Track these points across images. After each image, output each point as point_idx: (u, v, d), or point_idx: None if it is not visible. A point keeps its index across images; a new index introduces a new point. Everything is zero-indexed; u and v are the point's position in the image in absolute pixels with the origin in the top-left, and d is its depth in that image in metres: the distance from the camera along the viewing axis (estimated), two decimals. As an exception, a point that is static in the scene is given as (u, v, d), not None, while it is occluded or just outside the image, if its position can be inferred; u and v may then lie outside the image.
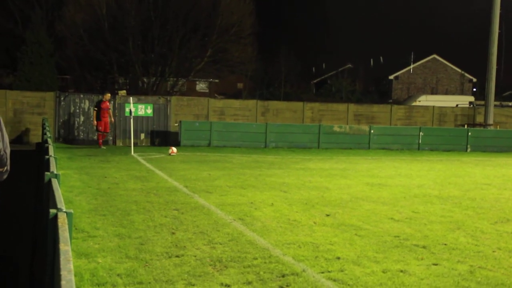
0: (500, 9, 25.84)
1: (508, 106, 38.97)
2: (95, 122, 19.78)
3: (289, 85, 51.86)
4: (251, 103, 26.23)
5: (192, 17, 29.87)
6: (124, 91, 27.13)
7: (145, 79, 30.97)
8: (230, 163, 15.89)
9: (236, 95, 43.44)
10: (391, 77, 53.76)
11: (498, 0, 25.09)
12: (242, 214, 8.26)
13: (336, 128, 23.32)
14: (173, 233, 6.93)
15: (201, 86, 46.69)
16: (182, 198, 9.58)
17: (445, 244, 6.81)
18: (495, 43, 25.94)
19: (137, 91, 28.95)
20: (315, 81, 61.13)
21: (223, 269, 5.53)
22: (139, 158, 16.29)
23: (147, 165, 14.66)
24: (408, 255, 6.29)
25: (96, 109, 19.81)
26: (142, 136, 22.65)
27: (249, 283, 5.15)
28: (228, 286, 5.06)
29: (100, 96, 20.95)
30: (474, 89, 54.27)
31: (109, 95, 20.48)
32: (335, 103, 31.87)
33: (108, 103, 20.00)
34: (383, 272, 5.60)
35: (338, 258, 6.06)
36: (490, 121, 27.21)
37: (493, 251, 6.53)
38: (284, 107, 26.47)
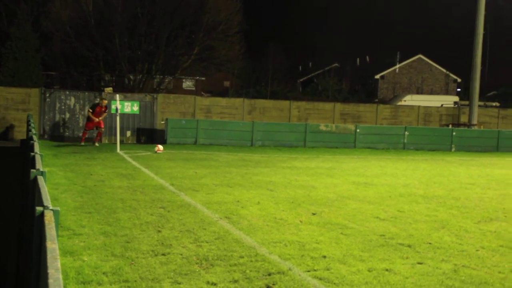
0: (485, 11, 26.05)
1: (492, 106, 39.32)
2: (93, 119, 19.54)
3: (276, 83, 51.92)
4: (238, 101, 26.23)
5: (179, 14, 29.78)
6: (111, 88, 26.98)
7: (131, 76, 30.83)
8: (217, 161, 15.88)
9: (223, 93, 43.41)
10: (377, 76, 54.02)
11: (482, 1, 25.27)
12: (229, 213, 8.27)
13: (322, 127, 23.38)
14: (159, 231, 6.92)
15: (187, 84, 46.57)
16: (168, 196, 9.56)
17: (430, 243, 6.87)
18: (479, 44, 26.15)
19: (123, 89, 28.80)
20: (302, 79, 61.27)
21: (209, 267, 5.54)
22: (125, 156, 16.22)
23: (133, 162, 14.61)
24: (393, 254, 6.33)
25: (91, 110, 19.69)
26: (128, 133, 22.58)
27: (235, 281, 5.16)
28: (214, 284, 5.06)
29: (98, 100, 21.00)
30: (459, 89, 54.69)
31: (106, 101, 20.07)
32: (321, 102, 31.97)
33: (103, 108, 19.80)
34: (369, 271, 5.64)
35: (324, 256, 6.09)
36: (474, 121, 27.45)
37: (477, 250, 6.60)
38: (271, 105, 26.51)
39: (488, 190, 11.83)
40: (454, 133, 24.20)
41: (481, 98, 32.99)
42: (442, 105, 36.08)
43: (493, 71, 58.89)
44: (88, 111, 19.99)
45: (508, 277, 5.56)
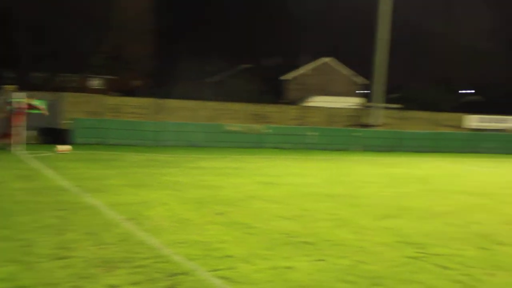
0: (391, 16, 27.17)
1: (393, 108, 41.08)
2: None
3: (187, 83, 51.62)
4: (148, 101, 25.91)
5: (87, 11, 29.00)
6: (14, 86, 25.85)
7: (36, 74, 29.67)
8: (124, 161, 15.62)
9: (133, 93, 42.64)
10: (286, 77, 55.01)
11: (385, 6, 26.33)
12: (134, 214, 8.18)
13: (231, 127, 23.56)
14: (61, 234, 6.74)
15: (96, 82, 45.38)
16: (71, 197, 9.31)
17: (331, 241, 7.11)
18: (381, 48, 27.24)
19: (28, 87, 27.66)
20: (213, 80, 61.27)
21: (112, 270, 5.46)
22: (27, 156, 15.61)
23: (36, 163, 14.09)
24: (296, 252, 6.51)
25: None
26: (31, 133, 21.70)
27: (138, 283, 5.12)
28: (116, 287, 5.00)
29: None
30: (364, 91, 56.72)
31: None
32: (231, 102, 32.18)
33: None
34: (272, 269, 5.77)
35: (229, 256, 6.17)
36: (377, 121, 28.61)
37: (374, 246, 6.91)
38: (181, 105, 26.38)
39: (387, 188, 12.38)
40: (358, 134, 25.10)
41: (384, 99, 34.40)
42: (347, 106, 37.32)
43: (396, 73, 61.55)
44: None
45: (401, 271, 5.87)
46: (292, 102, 45.32)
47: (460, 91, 69.61)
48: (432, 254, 6.62)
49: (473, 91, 70.15)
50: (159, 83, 48.79)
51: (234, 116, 27.24)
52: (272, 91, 54.85)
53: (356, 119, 30.78)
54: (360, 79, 55.59)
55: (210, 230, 7.38)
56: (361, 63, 48.85)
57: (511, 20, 63.21)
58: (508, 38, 63.45)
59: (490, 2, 60.17)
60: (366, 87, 56.01)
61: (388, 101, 50.17)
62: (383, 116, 30.33)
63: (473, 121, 35.34)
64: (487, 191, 12.40)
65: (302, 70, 55.31)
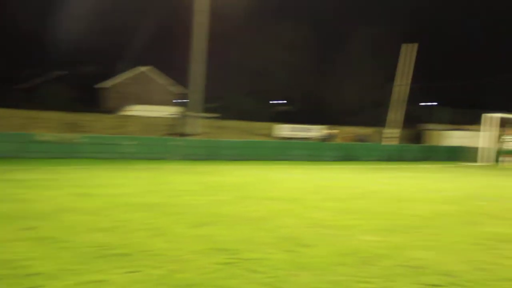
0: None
1: (210, 117, 42.07)
2: None
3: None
4: None
5: None
6: None
7: None
8: None
9: None
10: (104, 86, 53.68)
11: (201, 17, 26.91)
12: None
13: (42, 137, 22.36)
14: None
15: None
16: None
17: (146, 251, 7.11)
18: (197, 58, 27.80)
19: None
20: (23, 86, 57.57)
21: None
22: None
23: None
24: (110, 264, 6.40)
25: None
26: None
27: None
28: None
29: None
30: (183, 100, 57.36)
31: None
32: (45, 110, 30.55)
33: None
34: (83, 284, 5.61)
35: (36, 274, 5.87)
36: (195, 131, 29.11)
37: (188, 254, 7.05)
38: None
39: (202, 196, 12.67)
40: (176, 143, 25.30)
41: (203, 109, 35.13)
42: (167, 115, 37.44)
43: (214, 83, 63.18)
44: None
45: (213, 277, 6.06)
46: (110, 111, 44.30)
47: (274, 102, 73.59)
48: (243, 259, 6.92)
49: (285, 101, 74.56)
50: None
51: (47, 125, 25.91)
52: (88, 100, 53.09)
53: (174, 128, 30.98)
54: (178, 88, 56.09)
55: (16, 247, 6.95)
56: (181, 73, 49.39)
57: (312, 34, 68.24)
58: (311, 52, 68.37)
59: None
60: (184, 96, 56.74)
61: (207, 110, 51.30)
62: (201, 126, 30.93)
63: (283, 130, 37.56)
64: (294, 197, 13.26)
65: (120, 79, 54.40)
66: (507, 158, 28.14)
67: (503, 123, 30.15)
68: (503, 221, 10.67)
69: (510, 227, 10.01)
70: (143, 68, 54.55)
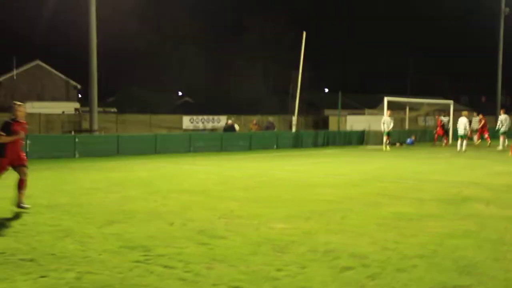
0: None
1: (110, 112, 41.07)
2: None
3: None
4: None
5: None
6: None
7: None
8: None
9: None
10: (-3, 81, 50.87)
11: (93, 10, 26.17)
12: None
13: None
14: None
15: None
16: None
17: (54, 254, 6.84)
18: (94, 51, 27.01)
19: None
20: None
21: None
22: None
23: None
24: (15, 271, 6.10)
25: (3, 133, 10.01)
26: None
27: None
28: None
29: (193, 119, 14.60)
30: (80, 96, 55.53)
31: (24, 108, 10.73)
32: None
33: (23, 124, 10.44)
34: (-12, 294, 5.32)
35: None
36: (95, 126, 28.26)
37: (99, 254, 6.85)
38: None
39: (110, 193, 12.35)
40: (77, 140, 24.45)
41: (101, 104, 34.20)
42: (63, 112, 36.12)
43: (111, 77, 61.61)
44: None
45: (127, 276, 5.94)
46: (2, 109, 41.99)
47: (176, 93, 72.84)
48: (156, 255, 6.83)
49: (181, 93, 74.01)
50: None
51: None
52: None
53: (73, 125, 29.95)
54: (75, 83, 54.17)
55: None
56: (75, 66, 47.73)
57: (210, 24, 68.26)
58: (214, 45, 68.44)
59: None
60: (79, 91, 54.89)
61: (106, 105, 49.94)
62: (101, 120, 30.09)
63: (187, 122, 37.34)
64: (203, 189, 13.23)
65: (11, 74, 51.64)
66: (385, 139, 29.44)
67: (389, 106, 31.54)
68: (403, 201, 11.22)
69: (409, 206, 10.54)
70: (35, 63, 52.17)
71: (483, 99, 78.75)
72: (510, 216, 9.44)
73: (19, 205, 9.96)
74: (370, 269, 6.24)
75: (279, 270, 6.21)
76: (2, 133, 9.88)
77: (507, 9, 48.60)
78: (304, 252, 6.99)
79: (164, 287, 5.61)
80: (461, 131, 27.38)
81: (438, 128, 34.57)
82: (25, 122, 10.41)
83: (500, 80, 49.56)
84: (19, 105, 10.52)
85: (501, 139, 29.51)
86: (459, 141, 27.31)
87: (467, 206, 10.59)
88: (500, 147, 28.74)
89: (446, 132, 33.86)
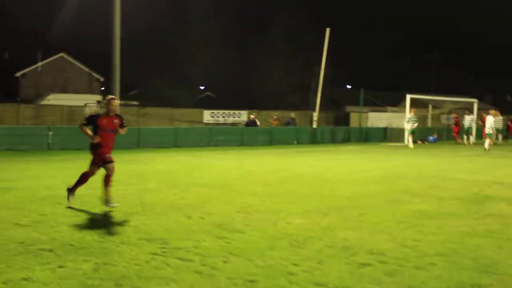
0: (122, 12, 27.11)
1: (132, 105, 41.25)
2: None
3: None
4: None
5: None
6: None
7: None
8: None
9: None
10: (18, 74, 51.43)
11: (118, 3, 26.20)
12: None
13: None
14: None
15: None
16: None
17: (72, 245, 6.88)
18: (118, 44, 27.13)
19: None
20: None
21: None
22: None
23: None
24: (33, 261, 6.15)
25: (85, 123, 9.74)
26: None
27: None
28: None
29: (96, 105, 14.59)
30: (102, 88, 55.90)
31: (117, 102, 10.19)
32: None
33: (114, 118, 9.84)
34: (4, 283, 5.35)
35: (-46, 274, 5.56)
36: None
37: (117, 246, 6.88)
38: None
39: (129, 185, 12.39)
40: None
41: (123, 97, 34.35)
42: (85, 104, 36.39)
43: (133, 71, 61.94)
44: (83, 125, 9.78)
45: (144, 268, 5.95)
46: (27, 100, 42.53)
47: (197, 88, 73.03)
48: (173, 248, 6.83)
49: (203, 87, 74.12)
50: None
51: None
52: (3, 89, 50.77)
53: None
54: (98, 76, 54.58)
55: None
56: (98, 59, 48.09)
57: (233, 19, 68.21)
58: (237, 40, 68.34)
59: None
60: (104, 84, 55.28)
61: (127, 98, 50.18)
62: (123, 113, 30.23)
63: (208, 116, 37.41)
64: (222, 182, 13.23)
65: (36, 66, 52.16)
66: (410, 138, 29.19)
67: (412, 104, 31.27)
68: (423, 199, 11.09)
69: (429, 204, 10.41)
70: (60, 56, 52.66)
71: (508, 98, 77.61)
72: (533, 216, 9.27)
73: (106, 203, 9.42)
74: (388, 266, 6.17)
75: (295, 265, 6.17)
76: (84, 123, 9.58)
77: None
78: (322, 248, 6.94)
79: (180, 279, 5.61)
80: (488, 130, 27.17)
81: (454, 127, 34.31)
82: (116, 117, 9.70)
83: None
84: (112, 98, 9.79)
85: None
86: (487, 140, 27.07)
87: (489, 205, 10.42)
88: None
89: (467, 130, 33.41)
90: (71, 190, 9.76)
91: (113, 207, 9.40)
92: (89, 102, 38.07)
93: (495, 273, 5.97)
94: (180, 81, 64.02)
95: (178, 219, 8.68)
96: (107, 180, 9.69)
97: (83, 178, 9.85)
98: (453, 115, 35.18)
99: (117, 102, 9.88)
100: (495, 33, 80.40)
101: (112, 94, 27.76)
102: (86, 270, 5.84)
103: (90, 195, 10.83)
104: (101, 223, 8.24)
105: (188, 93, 64.09)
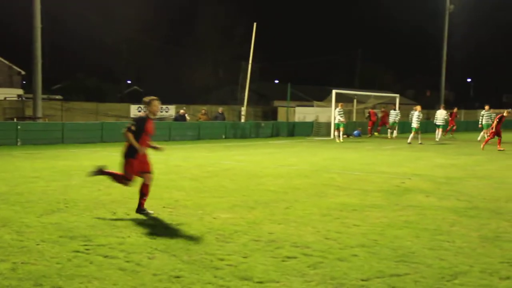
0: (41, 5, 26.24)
1: (55, 99, 40.05)
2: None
3: None
4: None
5: None
6: None
7: None
8: None
9: None
10: None
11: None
12: None
13: None
14: None
15: None
16: None
17: (-12, 245, 6.62)
18: (38, 37, 26.25)
19: None
20: None
21: None
22: None
23: None
24: None
25: (133, 129, 8.50)
26: None
27: None
28: None
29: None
30: (24, 82, 53.88)
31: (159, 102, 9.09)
32: None
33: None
34: None
35: None
36: (39, 114, 27.52)
37: (37, 244, 6.68)
38: None
39: (52, 182, 12.06)
40: (19, 127, 23.75)
41: (45, 91, 33.28)
42: (5, 98, 35.03)
43: (56, 64, 60.09)
44: (128, 132, 8.48)
45: (66, 266, 5.80)
46: None
47: (124, 82, 71.74)
48: (97, 245, 6.71)
49: (130, 81, 72.97)
50: None
51: None
52: None
53: (15, 112, 29.04)
54: (18, 69, 52.55)
55: None
56: (19, 52, 46.34)
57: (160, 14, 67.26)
58: (165, 34, 67.52)
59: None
60: (23, 77, 53.28)
61: (51, 92, 48.66)
62: (45, 108, 29.31)
63: (135, 110, 36.79)
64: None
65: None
66: (336, 132, 29.85)
67: (337, 99, 31.98)
68: (347, 192, 11.38)
69: (353, 197, 10.70)
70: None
71: (428, 93, 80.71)
72: (448, 207, 9.71)
73: (140, 211, 8.57)
74: (312, 258, 6.30)
75: (221, 259, 6.19)
76: (132, 129, 8.33)
77: (452, 6, 49.89)
78: (247, 242, 7.00)
79: (103, 277, 5.51)
80: (414, 124, 28.39)
81: (369, 121, 35.59)
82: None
83: (444, 75, 50.88)
84: (155, 99, 8.75)
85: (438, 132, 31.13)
86: (412, 134, 28.26)
87: (408, 197, 10.83)
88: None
89: (392, 124, 34.44)
90: (141, 211, 8.63)
91: (147, 214, 8.57)
92: (8, 95, 36.64)
93: (412, 262, 6.22)
94: (106, 75, 62.68)
95: (102, 215, 8.53)
96: (144, 189, 8.66)
97: (145, 191, 8.68)
98: (371, 111, 36.34)
99: (159, 102, 8.83)
100: (418, 32, 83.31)
101: (34, 88, 26.92)
102: (3, 270, 5.63)
103: (9, 193, 10.44)
104: (21, 221, 7.96)
105: (115, 88, 62.89)
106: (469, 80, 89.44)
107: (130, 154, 8.41)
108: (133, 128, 8.32)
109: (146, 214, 8.54)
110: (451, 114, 35.36)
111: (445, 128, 32.81)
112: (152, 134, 8.63)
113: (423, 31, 79.21)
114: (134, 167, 8.45)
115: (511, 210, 9.49)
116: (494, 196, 11.02)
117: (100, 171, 8.76)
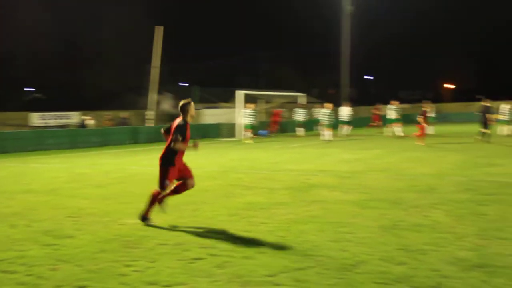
0: None
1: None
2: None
3: None
4: None
5: None
6: None
7: None
8: None
9: None
10: None
11: None
12: None
13: None
14: None
15: None
16: None
17: None
18: None
19: None
20: None
21: None
22: None
23: None
24: None
25: (180, 137, 8.45)
26: None
27: None
28: None
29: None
30: None
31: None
32: None
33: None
34: None
35: None
36: None
37: None
38: None
39: None
40: None
41: None
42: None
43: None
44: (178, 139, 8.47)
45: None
46: None
47: (24, 90, 68.79)
48: (-6, 260, 6.42)
49: (33, 89, 70.22)
50: None
51: None
52: None
53: None
54: None
55: None
56: None
57: (68, 23, 65.30)
58: (65, 38, 65.42)
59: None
60: None
61: None
62: None
63: (37, 118, 35.41)
64: (52, 187, 12.66)
65: None
66: (247, 133, 30.26)
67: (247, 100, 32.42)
68: (254, 191, 11.55)
69: (260, 196, 10.87)
70: None
71: (331, 91, 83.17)
72: (351, 200, 10.08)
73: (159, 204, 8.46)
74: (219, 258, 6.36)
75: (127, 265, 6.12)
76: (181, 140, 8.28)
77: (351, 8, 51.73)
78: (154, 246, 6.95)
79: (2, 293, 5.30)
80: (324, 121, 29.32)
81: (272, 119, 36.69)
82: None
83: (348, 74, 52.73)
84: (190, 101, 8.55)
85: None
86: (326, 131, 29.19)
87: (313, 192, 11.14)
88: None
89: (299, 122, 35.25)
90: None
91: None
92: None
93: (316, 255, 6.42)
94: (4, 83, 59.90)
95: (1, 229, 8.16)
96: (179, 190, 8.63)
97: (179, 191, 8.65)
98: (273, 110, 37.40)
99: (194, 107, 8.65)
100: (320, 31, 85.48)
101: None
102: None
103: None
104: None
105: (14, 96, 60.20)
106: (368, 77, 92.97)
107: (170, 162, 8.39)
108: (180, 138, 8.28)
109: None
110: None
111: (350, 124, 34.18)
112: (189, 139, 8.56)
113: (327, 31, 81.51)
114: (175, 174, 8.41)
115: (408, 200, 9.99)
116: (393, 187, 11.56)
117: (159, 200, 8.46)
